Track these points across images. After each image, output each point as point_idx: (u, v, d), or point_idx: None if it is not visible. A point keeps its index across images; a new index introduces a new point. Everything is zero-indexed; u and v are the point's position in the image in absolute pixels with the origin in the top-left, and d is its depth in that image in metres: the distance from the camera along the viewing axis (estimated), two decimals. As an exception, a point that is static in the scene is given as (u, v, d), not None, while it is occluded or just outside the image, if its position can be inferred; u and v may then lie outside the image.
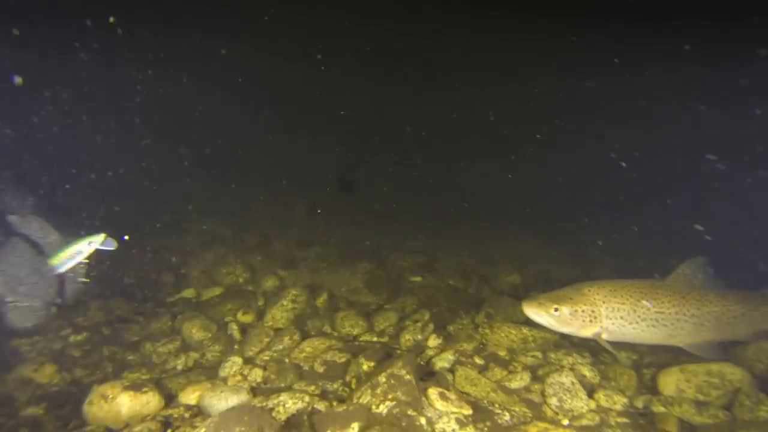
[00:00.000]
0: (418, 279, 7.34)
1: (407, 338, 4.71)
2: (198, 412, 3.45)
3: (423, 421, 2.86)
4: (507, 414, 3.21)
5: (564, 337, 4.32)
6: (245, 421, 2.33)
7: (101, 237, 2.53)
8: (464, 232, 10.90)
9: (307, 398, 3.13)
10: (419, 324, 4.86)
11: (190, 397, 3.66)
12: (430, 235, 10.24)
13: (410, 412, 2.92)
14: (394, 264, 8.24)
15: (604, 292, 3.43)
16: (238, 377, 4.00)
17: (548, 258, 9.01)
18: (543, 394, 3.48)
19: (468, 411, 3.04)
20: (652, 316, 3.36)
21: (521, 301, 3.62)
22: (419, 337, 4.69)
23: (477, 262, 8.48)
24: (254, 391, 3.76)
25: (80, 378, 4.38)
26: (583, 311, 3.39)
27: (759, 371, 3.55)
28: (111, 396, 3.32)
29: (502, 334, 4.50)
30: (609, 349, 3.45)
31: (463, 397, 3.34)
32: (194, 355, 4.85)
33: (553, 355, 4.16)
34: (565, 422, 3.23)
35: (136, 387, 3.46)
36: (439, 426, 2.91)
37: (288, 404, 2.99)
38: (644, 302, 3.19)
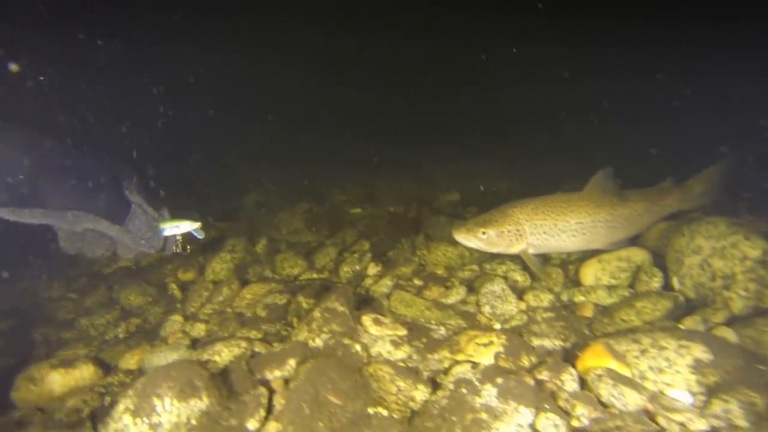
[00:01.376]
0: (358, 210, 7.33)
1: (346, 270, 4.74)
2: (140, 375, 3.39)
3: (358, 347, 2.92)
4: (443, 328, 3.32)
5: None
6: (172, 376, 2.29)
7: (198, 224, 2.93)
8: (401, 158, 10.88)
9: (244, 344, 3.11)
10: (356, 255, 4.89)
11: (130, 362, 3.60)
12: (369, 166, 10.17)
13: (346, 341, 2.97)
14: (334, 199, 8.18)
15: (526, 210, 3.59)
16: (179, 335, 3.95)
17: (484, 173, 9.15)
18: (478, 304, 3.62)
19: (403, 332, 3.13)
20: (572, 227, 3.58)
21: (451, 229, 3.71)
22: (357, 267, 4.73)
23: (416, 185, 8.54)
24: (195, 345, 3.73)
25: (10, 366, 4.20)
26: (508, 231, 3.54)
27: (656, 248, 3.91)
28: (39, 377, 3.20)
29: (440, 253, 4.60)
30: (533, 264, 3.68)
31: (399, 319, 3.43)
32: (136, 321, 4.72)
33: (488, 266, 4.30)
34: (497, 326, 3.38)
35: (66, 363, 3.35)
36: (374, 350, 2.99)
37: (224, 353, 2.97)
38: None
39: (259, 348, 3.30)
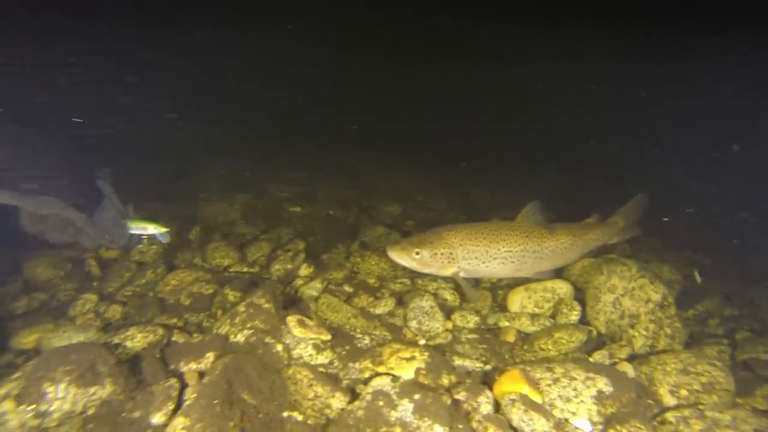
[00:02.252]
0: (297, 209, 7.20)
1: (277, 268, 4.63)
2: (35, 356, 3.12)
3: (280, 347, 2.84)
4: (367, 338, 3.31)
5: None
6: (72, 359, 2.12)
7: (165, 229, 2.97)
8: (348, 164, 10.85)
9: (161, 331, 2.95)
10: (290, 253, 4.79)
11: (25, 341, 3.31)
12: (314, 166, 10.06)
13: (268, 339, 2.89)
14: (274, 194, 8.00)
15: (460, 235, 3.69)
16: (90, 315, 3.68)
17: (427, 189, 9.31)
18: (405, 318, 3.65)
19: (327, 337, 3.09)
20: (502, 255, 3.71)
21: (386, 246, 3.75)
22: (289, 266, 4.63)
23: (359, 192, 8.53)
24: (108, 329, 3.49)
25: None
26: (442, 254, 3.61)
27: (578, 282, 4.18)
28: None
29: (373, 263, 4.60)
30: (464, 286, 3.76)
31: (325, 323, 3.39)
32: (41, 296, 4.33)
33: (420, 282, 4.35)
34: (422, 342, 3.42)
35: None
36: (296, 352, 2.92)
37: (137, 338, 2.80)
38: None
39: (177, 337, 3.16)
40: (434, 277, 4.39)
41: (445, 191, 9.48)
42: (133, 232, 2.93)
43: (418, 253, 3.58)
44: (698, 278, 3.64)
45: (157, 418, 2.13)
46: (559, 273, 4.25)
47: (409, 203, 8.16)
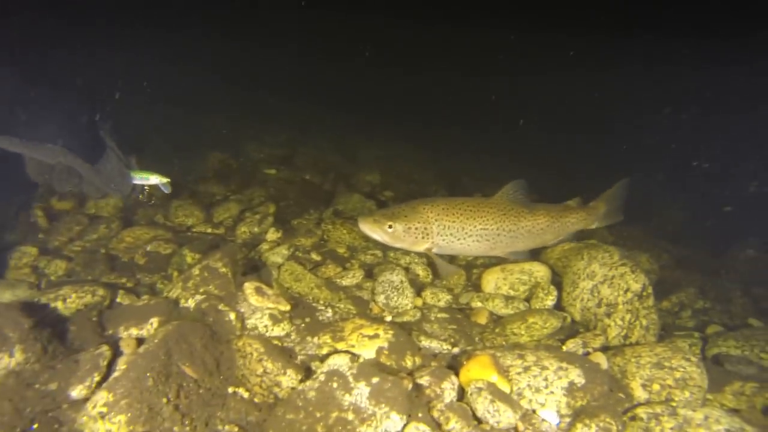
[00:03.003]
0: (273, 171, 6.89)
1: (243, 230, 4.37)
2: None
3: (232, 316, 2.61)
4: (330, 311, 3.10)
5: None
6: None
7: (167, 180, 3.08)
8: (331, 128, 10.48)
9: (101, 291, 2.69)
10: (258, 216, 4.52)
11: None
12: (296, 127, 9.67)
13: (221, 306, 2.66)
14: (250, 155, 7.65)
15: (437, 210, 3.53)
16: (26, 270, 3.38)
17: (412, 160, 9.04)
18: (373, 291, 3.44)
19: (285, 307, 2.86)
20: (477, 232, 3.58)
21: (358, 218, 3.58)
22: (256, 229, 4.37)
23: (339, 159, 8.22)
24: (45, 286, 3.20)
25: None
26: (416, 228, 3.46)
27: (556, 266, 4.03)
28: None
29: (345, 231, 4.37)
30: (438, 262, 3.64)
31: (286, 293, 3.16)
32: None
33: (392, 254, 4.14)
34: (388, 318, 3.23)
35: None
36: (251, 321, 2.70)
37: (70, 299, 2.53)
38: None
39: (122, 299, 2.90)
40: (407, 251, 4.19)
41: (433, 164, 9.23)
42: (136, 182, 2.98)
43: (391, 227, 3.39)
44: None
45: (77, 392, 1.89)
46: (536, 255, 4.16)
47: (390, 173, 7.88)
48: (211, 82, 11.70)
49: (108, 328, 2.48)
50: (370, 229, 3.44)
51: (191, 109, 9.48)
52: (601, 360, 2.68)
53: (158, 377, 1.92)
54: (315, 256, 4.02)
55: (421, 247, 3.55)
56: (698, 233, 7.26)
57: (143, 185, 3.05)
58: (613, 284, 3.24)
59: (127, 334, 2.45)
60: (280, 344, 2.61)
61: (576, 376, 2.38)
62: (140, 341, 2.31)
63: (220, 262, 2.95)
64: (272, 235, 4.33)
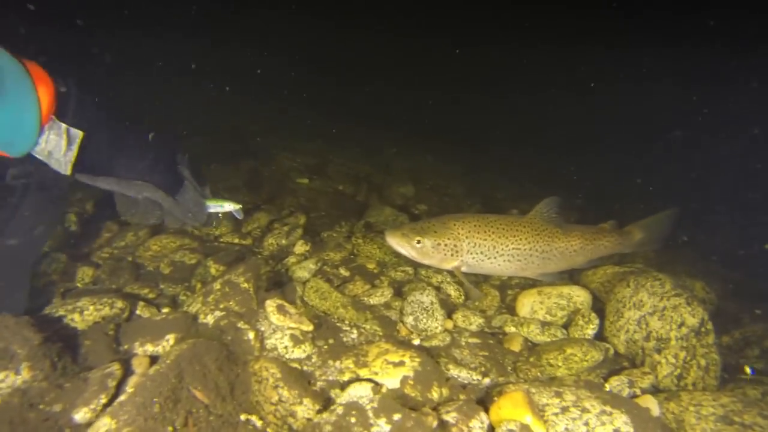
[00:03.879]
0: (305, 181, 6.83)
1: (271, 242, 4.27)
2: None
3: (251, 335, 2.49)
4: (355, 332, 2.95)
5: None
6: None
7: (239, 206, 3.14)
8: (365, 140, 10.40)
9: (119, 304, 2.61)
10: (287, 228, 4.42)
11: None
12: (329, 138, 9.63)
13: (240, 324, 2.54)
14: (282, 164, 7.62)
15: (468, 227, 3.41)
16: (54, 276, 3.37)
17: (445, 173, 8.86)
18: (401, 312, 3.27)
19: (308, 327, 2.72)
20: (509, 252, 3.46)
21: (385, 230, 3.48)
22: (284, 241, 4.27)
23: (372, 170, 8.11)
24: (66, 294, 3.17)
25: None
26: (446, 245, 3.33)
27: (597, 291, 3.86)
28: None
29: (375, 246, 4.22)
30: (465, 283, 3.51)
31: (310, 311, 3.02)
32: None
33: (423, 272, 3.95)
34: (416, 342, 3.05)
35: None
36: (270, 342, 2.56)
37: (88, 311, 2.45)
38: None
39: (142, 311, 2.82)
40: (438, 269, 4.00)
41: (466, 177, 9.02)
42: (211, 210, 3.05)
43: (419, 242, 3.24)
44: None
45: (81, 415, 1.79)
46: (575, 278, 3.96)
47: (424, 186, 7.72)
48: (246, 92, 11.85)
49: (123, 343, 2.40)
50: (398, 243, 3.31)
51: (222, 117, 9.61)
52: (652, 405, 2.41)
53: (166, 403, 1.81)
54: (343, 272, 3.88)
55: (450, 265, 3.40)
56: (755, 257, 6.75)
57: (218, 212, 3.11)
58: (664, 317, 2.95)
59: (143, 350, 2.36)
60: (299, 367, 2.47)
61: (623, 423, 2.12)
62: (154, 359, 2.20)
63: (243, 277, 2.85)
64: (300, 248, 4.23)
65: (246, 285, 2.81)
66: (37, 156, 2.26)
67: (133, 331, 2.49)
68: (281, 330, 2.63)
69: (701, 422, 2.28)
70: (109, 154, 2.50)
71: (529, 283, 3.96)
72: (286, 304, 2.79)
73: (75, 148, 2.33)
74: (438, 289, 3.74)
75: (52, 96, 2.17)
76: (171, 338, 2.42)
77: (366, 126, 12.08)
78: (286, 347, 2.54)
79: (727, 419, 2.26)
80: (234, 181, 6.49)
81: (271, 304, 2.73)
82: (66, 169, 2.35)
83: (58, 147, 2.28)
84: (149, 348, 2.37)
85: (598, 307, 3.51)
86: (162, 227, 4.52)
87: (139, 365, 2.14)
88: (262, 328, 2.64)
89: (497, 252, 3.41)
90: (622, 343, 3.15)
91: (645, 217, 4.00)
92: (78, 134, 2.34)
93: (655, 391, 2.70)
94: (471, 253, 3.36)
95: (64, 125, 2.29)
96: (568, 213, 3.85)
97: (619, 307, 3.24)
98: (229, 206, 3.12)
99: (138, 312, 2.79)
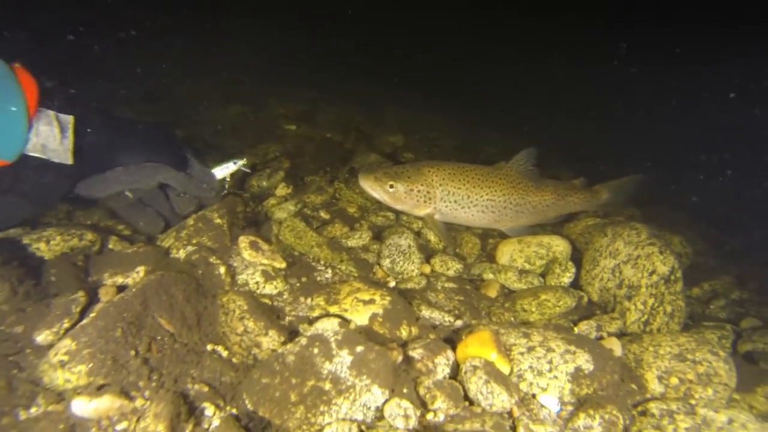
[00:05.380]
0: (293, 127, 6.69)
1: (252, 183, 4.22)
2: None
3: (222, 270, 2.47)
4: (330, 272, 2.94)
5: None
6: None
7: (243, 161, 3.15)
8: (359, 89, 10.15)
9: (89, 236, 2.58)
10: (268, 170, 4.35)
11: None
12: (323, 86, 9.37)
13: (212, 259, 2.52)
14: (271, 110, 7.46)
15: (442, 174, 3.37)
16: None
17: (438, 125, 8.71)
18: (379, 254, 3.27)
19: (281, 264, 2.72)
20: (483, 203, 3.44)
21: (359, 173, 3.44)
22: (265, 183, 4.22)
23: (364, 119, 7.95)
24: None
25: None
26: (419, 191, 3.30)
27: (578, 243, 3.95)
28: None
29: (357, 191, 4.17)
30: (437, 231, 3.50)
31: (285, 250, 3.01)
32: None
33: (405, 217, 3.94)
34: (391, 284, 3.06)
35: None
36: (242, 277, 2.56)
37: (55, 240, 2.42)
38: None
39: (114, 245, 2.79)
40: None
41: (458, 133, 8.87)
42: (219, 175, 3.05)
43: (392, 186, 3.21)
44: None
45: (42, 337, 1.79)
46: (558, 228, 3.97)
47: (414, 136, 7.59)
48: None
49: (93, 275, 2.38)
50: (371, 186, 3.28)
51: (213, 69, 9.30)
52: (615, 346, 2.45)
53: (129, 328, 1.80)
54: (324, 215, 3.85)
55: (423, 212, 3.38)
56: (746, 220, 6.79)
57: (225, 176, 3.11)
58: (637, 265, 2.96)
59: (112, 281, 2.35)
60: (269, 303, 2.47)
61: (584, 361, 2.16)
62: (121, 289, 2.19)
63: (217, 213, 2.81)
64: (282, 190, 4.18)
65: (220, 221, 2.78)
66: (33, 154, 2.19)
67: (103, 263, 2.46)
68: (253, 266, 2.62)
69: (657, 360, 2.33)
70: (107, 136, 2.47)
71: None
72: (259, 240, 2.78)
73: (70, 133, 2.28)
74: (418, 234, 3.73)
75: (35, 92, 2.11)
76: (141, 270, 2.41)
77: (362, 78, 11.76)
78: (257, 283, 2.54)
79: (680, 357, 2.32)
80: (222, 125, 6.37)
81: (244, 240, 2.71)
82: (67, 158, 2.29)
83: (51, 136, 2.21)
84: (119, 279, 2.36)
85: (577, 258, 3.53)
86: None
87: (105, 294, 2.14)
88: (235, 264, 2.63)
89: (471, 202, 3.39)
90: (596, 291, 3.18)
91: (613, 179, 4.07)
92: (69, 119, 2.28)
93: (621, 334, 2.75)
94: (444, 201, 3.33)
95: (52, 112, 2.22)
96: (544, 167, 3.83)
97: (595, 256, 3.25)
98: (233, 165, 3.12)
99: (110, 246, 2.76)
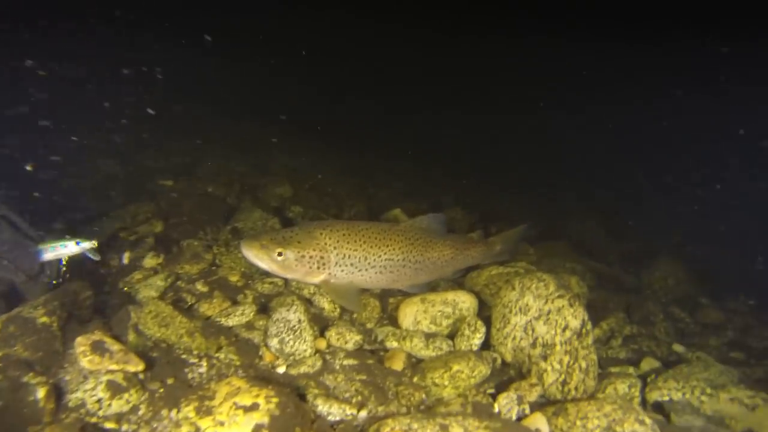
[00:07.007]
0: (169, 183, 5.99)
1: (112, 257, 3.53)
2: None
3: (41, 394, 1.83)
4: (205, 364, 2.40)
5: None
6: None
7: (92, 243, 2.47)
8: (239, 137, 9.61)
9: None
10: (133, 237, 3.69)
11: None
12: (201, 136, 8.69)
13: (27, 378, 1.87)
14: (144, 164, 6.67)
15: (336, 236, 3.02)
16: None
17: (325, 171, 8.41)
18: (266, 333, 2.78)
19: (136, 367, 2.13)
20: (381, 263, 3.15)
21: (241, 241, 2.96)
22: (129, 254, 3.55)
23: (248, 169, 7.42)
24: None
25: None
26: (311, 257, 2.91)
27: (483, 295, 3.80)
28: None
29: (240, 255, 3.65)
30: (335, 299, 3.20)
31: (144, 343, 2.41)
32: None
33: (294, 283, 3.49)
34: (282, 369, 2.58)
35: None
36: (76, 395, 1.93)
37: None
38: None
39: None
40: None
41: (354, 177, 8.64)
42: (46, 257, 2.31)
43: (281, 254, 2.79)
44: None
45: None
46: (460, 281, 3.79)
47: (303, 185, 7.19)
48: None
49: None
50: (256, 256, 2.81)
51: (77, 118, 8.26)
52: (542, 424, 2.19)
53: None
54: (201, 287, 3.29)
55: (317, 279, 2.99)
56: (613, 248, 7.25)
57: (59, 257, 2.37)
58: (549, 320, 2.78)
59: None
60: (116, 428, 1.87)
61: (511, 453, 1.85)
62: None
63: (42, 309, 2.15)
64: (150, 260, 3.57)
65: (46, 320, 2.13)
66: None
67: None
68: (95, 376, 2.01)
69: (588, 437, 2.10)
70: None
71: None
72: (107, 339, 2.16)
73: None
74: (310, 302, 3.31)
75: None
76: None
77: (244, 122, 11.19)
78: (99, 401, 1.92)
79: (609, 430, 2.11)
80: (84, 184, 5.49)
81: (82, 343, 2.08)
82: None
83: None
84: None
85: (485, 314, 3.31)
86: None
87: None
88: (67, 378, 2.00)
89: (369, 263, 3.07)
90: (509, 351, 2.95)
91: (504, 231, 4.12)
92: None
93: (543, 402, 2.51)
94: (340, 266, 2.97)
95: None
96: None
97: (505, 313, 3.04)
98: (74, 247, 2.44)
99: None
